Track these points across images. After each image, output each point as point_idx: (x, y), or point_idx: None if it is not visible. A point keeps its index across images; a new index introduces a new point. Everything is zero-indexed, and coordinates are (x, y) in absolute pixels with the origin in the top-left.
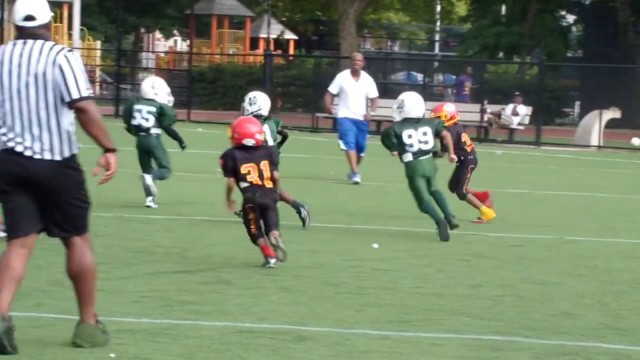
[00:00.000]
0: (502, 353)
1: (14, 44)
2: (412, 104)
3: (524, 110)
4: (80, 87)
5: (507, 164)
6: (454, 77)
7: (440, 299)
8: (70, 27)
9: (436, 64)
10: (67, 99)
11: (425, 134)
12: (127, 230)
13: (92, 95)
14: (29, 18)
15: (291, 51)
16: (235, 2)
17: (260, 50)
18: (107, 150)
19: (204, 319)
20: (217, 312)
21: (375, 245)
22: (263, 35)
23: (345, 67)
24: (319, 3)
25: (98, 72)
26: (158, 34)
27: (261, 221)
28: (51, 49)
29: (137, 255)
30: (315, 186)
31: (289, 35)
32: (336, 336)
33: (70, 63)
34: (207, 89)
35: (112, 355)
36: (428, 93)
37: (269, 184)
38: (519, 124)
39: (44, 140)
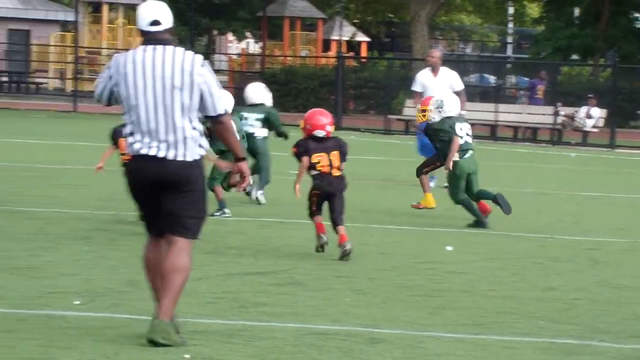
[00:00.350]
0: (577, 357)
1: (144, 50)
2: (451, 103)
3: (598, 112)
4: (222, 101)
5: (580, 166)
6: (527, 79)
7: (514, 302)
8: None
9: (509, 65)
10: (212, 113)
11: (461, 129)
12: None
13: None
14: (155, 23)
15: (363, 53)
16: (307, 4)
17: (333, 52)
18: (238, 159)
19: (277, 320)
20: (290, 314)
21: (449, 248)
22: (335, 37)
23: (416, 69)
24: (391, 5)
25: None
26: (230, 36)
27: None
28: (184, 57)
29: (209, 257)
30: (388, 188)
31: (361, 38)
32: (409, 338)
33: (211, 76)
34: (279, 91)
35: (187, 356)
36: (501, 95)
37: (336, 173)
38: (593, 126)
39: (177, 143)
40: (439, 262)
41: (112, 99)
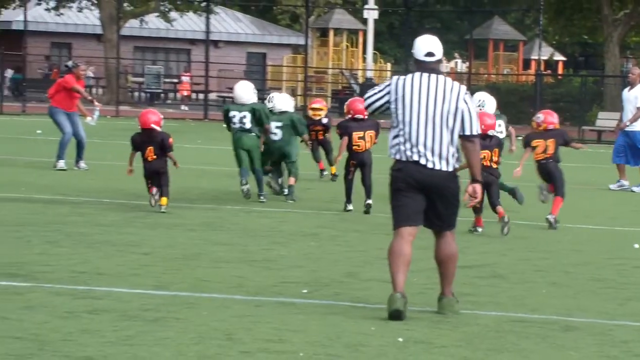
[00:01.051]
0: None
1: (420, 76)
2: (490, 102)
3: None
4: (476, 124)
5: None
6: None
7: None
8: (364, 51)
9: None
10: (467, 133)
11: (500, 125)
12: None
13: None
14: (430, 54)
15: (560, 71)
16: (510, 27)
17: (532, 71)
18: (475, 180)
19: (481, 309)
20: (492, 303)
21: (637, 246)
22: (534, 57)
23: (608, 85)
24: (586, 28)
25: None
26: None
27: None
28: (453, 86)
29: (423, 252)
30: (583, 192)
31: (558, 57)
32: (600, 327)
33: (471, 104)
34: None
35: (400, 339)
36: None
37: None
38: None
39: (442, 155)
40: (628, 258)
41: (379, 110)
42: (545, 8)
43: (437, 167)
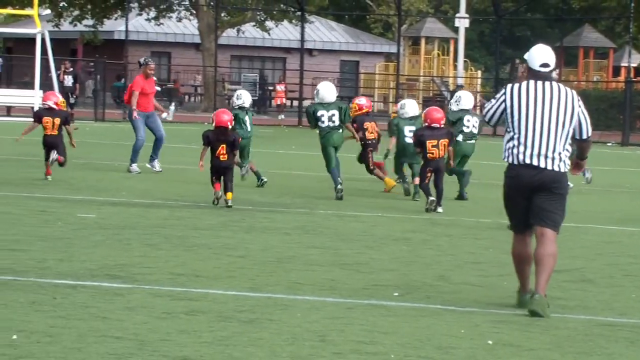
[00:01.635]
0: None
1: (535, 84)
2: (467, 98)
3: None
4: (590, 127)
5: None
6: None
7: None
8: (455, 59)
9: None
10: (584, 137)
11: (474, 121)
12: (504, 235)
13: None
14: (545, 65)
15: None
16: (600, 35)
17: (622, 78)
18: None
19: (570, 312)
20: (581, 307)
21: None
22: (624, 64)
23: None
24: None
25: (478, 98)
26: None
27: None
28: (566, 92)
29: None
30: None
31: None
32: None
33: (584, 108)
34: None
35: (490, 342)
36: None
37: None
38: None
39: (554, 158)
40: None
41: (500, 119)
42: (636, 15)
43: (549, 167)
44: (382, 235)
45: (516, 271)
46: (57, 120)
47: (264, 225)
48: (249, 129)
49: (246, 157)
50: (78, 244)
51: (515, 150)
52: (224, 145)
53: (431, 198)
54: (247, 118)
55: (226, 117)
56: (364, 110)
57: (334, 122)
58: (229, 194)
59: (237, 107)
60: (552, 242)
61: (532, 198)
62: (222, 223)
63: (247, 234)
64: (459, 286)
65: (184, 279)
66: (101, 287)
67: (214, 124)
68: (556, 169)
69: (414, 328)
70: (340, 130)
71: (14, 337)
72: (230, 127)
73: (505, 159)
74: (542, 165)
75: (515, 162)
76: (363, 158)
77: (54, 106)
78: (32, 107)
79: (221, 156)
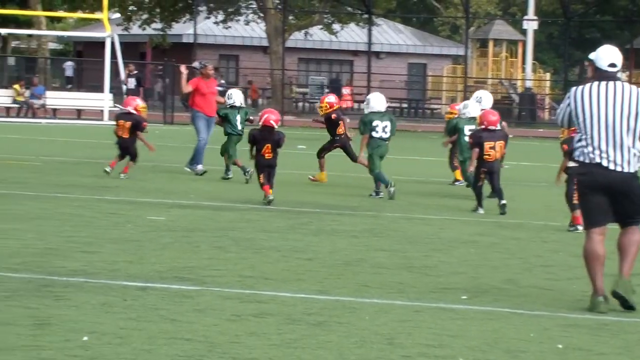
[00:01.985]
0: None
1: (599, 84)
2: (487, 98)
3: None
4: None
5: None
6: None
7: None
8: (523, 61)
9: None
10: None
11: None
12: (573, 238)
13: None
14: (613, 65)
15: None
16: None
17: None
18: None
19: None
20: None
21: None
22: None
23: None
24: None
25: (547, 100)
26: None
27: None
28: (631, 90)
29: (578, 260)
30: None
31: None
32: None
33: None
34: None
35: (560, 345)
36: None
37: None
38: None
39: (624, 157)
40: None
41: (570, 122)
42: None
43: (619, 169)
44: (449, 238)
45: (588, 272)
46: (128, 124)
47: (332, 228)
48: (239, 128)
49: (232, 154)
50: (147, 246)
51: (585, 150)
52: (269, 145)
53: (502, 201)
54: (238, 117)
55: (273, 117)
56: (335, 108)
57: (386, 132)
58: (270, 190)
59: (228, 106)
60: (635, 230)
61: (607, 198)
62: (290, 226)
63: (315, 236)
64: (528, 289)
65: (253, 282)
66: (170, 289)
67: (260, 123)
68: (627, 169)
69: (482, 331)
70: (388, 142)
71: (85, 338)
72: (275, 127)
73: (577, 157)
74: (612, 167)
75: (587, 160)
76: (324, 149)
77: (133, 111)
78: (102, 110)
79: (266, 154)
